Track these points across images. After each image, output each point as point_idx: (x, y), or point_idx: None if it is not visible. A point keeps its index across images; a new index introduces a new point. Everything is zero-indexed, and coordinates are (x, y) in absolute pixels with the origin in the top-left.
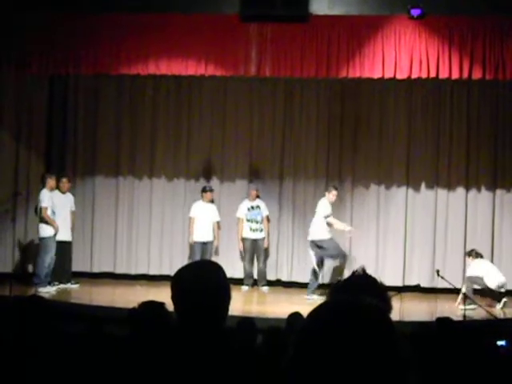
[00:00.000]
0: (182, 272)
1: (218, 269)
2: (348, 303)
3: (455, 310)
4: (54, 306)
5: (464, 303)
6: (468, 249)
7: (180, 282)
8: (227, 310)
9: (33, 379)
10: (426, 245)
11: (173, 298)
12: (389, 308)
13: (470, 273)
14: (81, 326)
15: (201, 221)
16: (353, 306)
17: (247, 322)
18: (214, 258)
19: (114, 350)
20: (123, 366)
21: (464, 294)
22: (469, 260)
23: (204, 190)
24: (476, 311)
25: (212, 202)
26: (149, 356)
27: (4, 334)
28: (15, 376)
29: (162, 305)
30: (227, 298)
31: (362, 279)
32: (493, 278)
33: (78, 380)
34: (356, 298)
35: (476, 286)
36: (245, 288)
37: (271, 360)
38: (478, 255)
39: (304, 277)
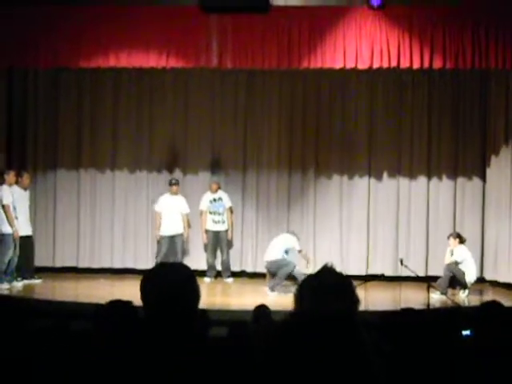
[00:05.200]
0: (150, 274)
1: (185, 270)
2: (317, 316)
3: (418, 298)
4: (19, 303)
5: (428, 291)
6: (449, 233)
7: (149, 284)
8: (196, 310)
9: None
10: (389, 234)
11: (142, 299)
12: (357, 301)
13: (455, 257)
14: (46, 322)
15: (168, 214)
16: (322, 318)
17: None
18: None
19: (81, 346)
20: (90, 363)
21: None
22: (454, 242)
23: (170, 183)
24: (439, 300)
25: (177, 194)
26: (116, 352)
27: None
28: None
29: (129, 302)
30: (196, 299)
31: (331, 277)
32: (472, 269)
33: (46, 377)
34: (324, 307)
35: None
36: (207, 280)
37: (237, 353)
38: (464, 241)
39: None
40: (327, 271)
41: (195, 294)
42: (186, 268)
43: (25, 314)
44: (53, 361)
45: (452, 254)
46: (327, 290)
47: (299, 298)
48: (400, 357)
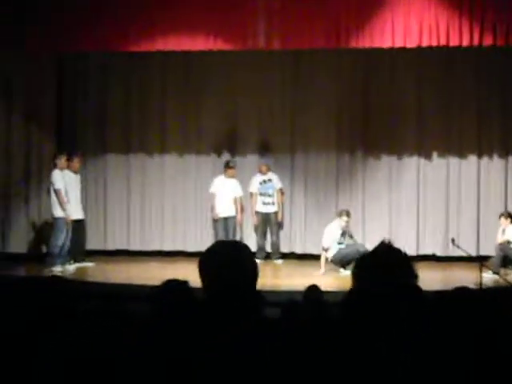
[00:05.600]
0: (209, 252)
1: (244, 248)
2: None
3: (470, 278)
4: (73, 286)
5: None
6: (500, 212)
7: (208, 261)
8: (255, 288)
9: (53, 358)
10: (439, 214)
11: (202, 277)
12: (415, 276)
13: (507, 237)
14: (101, 304)
15: (221, 196)
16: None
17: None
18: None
19: (138, 329)
20: (147, 346)
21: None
22: (505, 222)
23: (227, 166)
24: (491, 279)
25: (233, 177)
26: (175, 334)
27: (24, 314)
28: (35, 355)
29: (185, 282)
30: (255, 277)
31: (389, 253)
32: None
33: (100, 359)
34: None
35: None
36: (257, 261)
37: (292, 333)
38: None
39: (318, 249)
40: (385, 248)
41: (254, 272)
42: (245, 246)
43: (80, 295)
44: (110, 343)
45: (504, 233)
46: (385, 266)
47: (358, 275)
48: (454, 336)
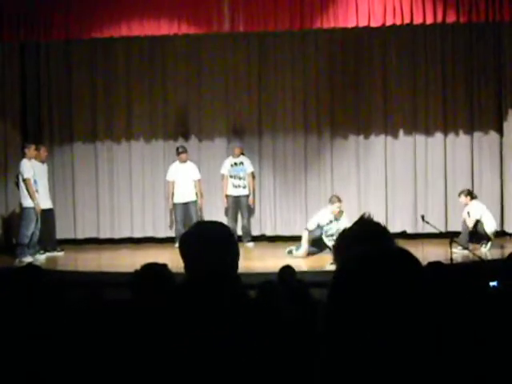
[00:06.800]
0: (191, 233)
1: (224, 228)
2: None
3: (440, 254)
4: (52, 275)
5: (451, 246)
6: (460, 191)
7: (190, 242)
8: (237, 267)
9: (43, 348)
10: (407, 191)
11: (184, 259)
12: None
13: (474, 217)
14: (79, 292)
15: (179, 182)
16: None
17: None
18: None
19: (118, 315)
20: (130, 331)
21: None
22: (466, 200)
23: (177, 152)
24: (461, 254)
25: (186, 161)
26: (157, 318)
27: (6, 304)
28: (26, 345)
29: (164, 266)
30: (237, 256)
31: (369, 226)
32: (490, 220)
33: (88, 346)
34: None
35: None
36: None
37: (269, 314)
38: (475, 196)
39: (288, 230)
40: (364, 221)
41: (236, 251)
42: (224, 226)
43: (58, 285)
44: (91, 330)
45: (469, 215)
46: (366, 238)
47: (339, 248)
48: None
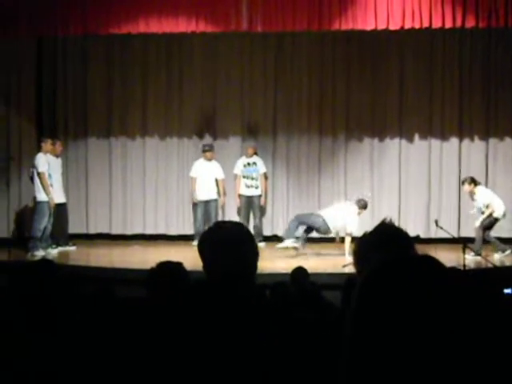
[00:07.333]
0: (208, 234)
1: (243, 228)
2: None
3: (452, 259)
4: (66, 270)
5: (464, 252)
6: (462, 179)
7: (205, 244)
8: (256, 267)
9: (56, 342)
10: (420, 195)
11: (202, 259)
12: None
13: (481, 201)
14: (91, 288)
15: (202, 179)
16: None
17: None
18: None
19: (132, 312)
20: (143, 329)
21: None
22: (470, 187)
23: (203, 150)
24: (473, 260)
25: (210, 160)
26: (172, 316)
27: (18, 298)
28: (39, 339)
29: (180, 264)
30: (256, 256)
31: (391, 230)
32: (498, 204)
33: (102, 342)
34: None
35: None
36: None
37: (282, 314)
38: (479, 183)
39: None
40: (385, 226)
41: (254, 251)
42: (243, 226)
43: (73, 279)
44: (105, 325)
45: (475, 200)
46: (386, 243)
47: (359, 253)
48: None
